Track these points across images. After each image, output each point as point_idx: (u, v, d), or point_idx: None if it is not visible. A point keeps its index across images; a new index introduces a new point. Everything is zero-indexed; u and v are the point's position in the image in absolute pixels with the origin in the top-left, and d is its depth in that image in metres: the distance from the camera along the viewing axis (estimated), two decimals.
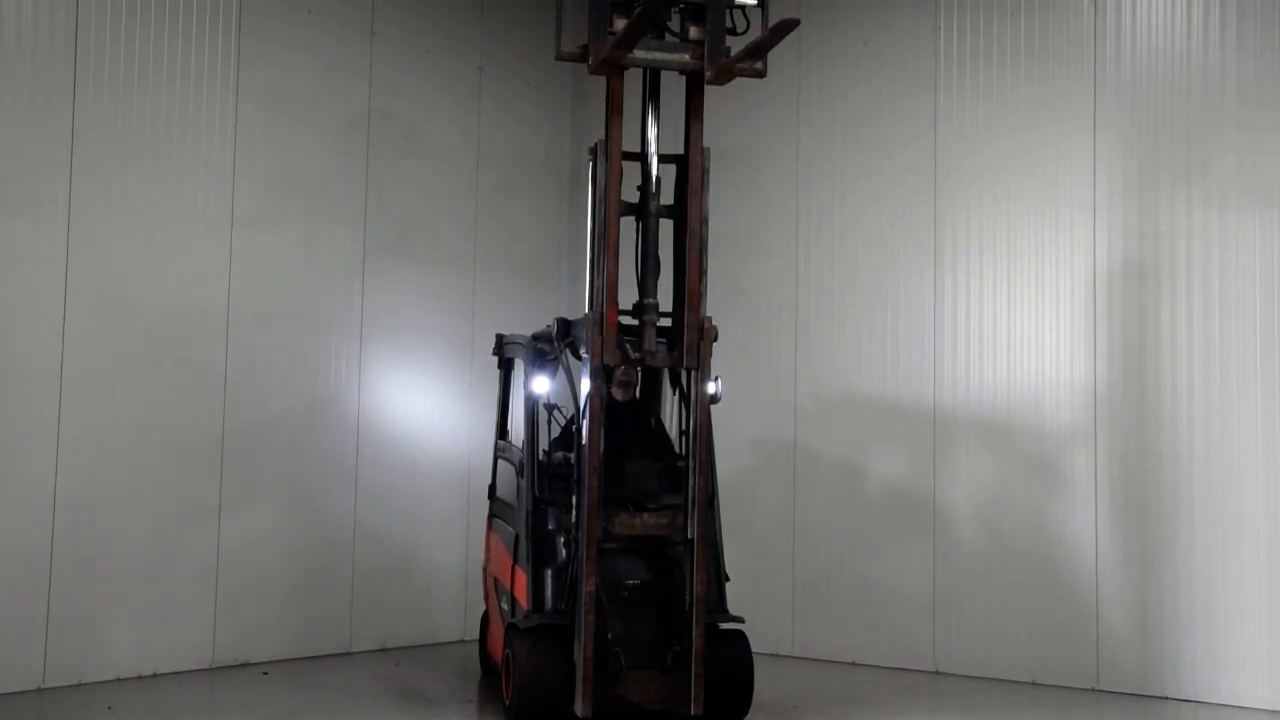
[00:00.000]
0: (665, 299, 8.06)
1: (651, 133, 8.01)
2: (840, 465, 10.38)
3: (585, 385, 7.49)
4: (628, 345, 7.65)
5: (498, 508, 8.99)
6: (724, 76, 7.69)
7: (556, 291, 11.68)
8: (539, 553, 7.70)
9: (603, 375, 7.52)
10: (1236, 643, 8.51)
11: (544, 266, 11.89)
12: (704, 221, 7.79)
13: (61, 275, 8.68)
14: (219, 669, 9.22)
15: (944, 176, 10.05)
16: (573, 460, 7.83)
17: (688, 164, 7.80)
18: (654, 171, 7.95)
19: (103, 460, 8.78)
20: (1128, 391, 9.11)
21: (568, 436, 8.14)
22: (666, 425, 8.49)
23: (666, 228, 8.10)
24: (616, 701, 7.34)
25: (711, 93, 8.01)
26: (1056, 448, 9.37)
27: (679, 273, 7.88)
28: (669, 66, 7.74)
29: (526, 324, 9.32)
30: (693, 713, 7.29)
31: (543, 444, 8.24)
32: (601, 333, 7.54)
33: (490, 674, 8.91)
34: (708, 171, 7.87)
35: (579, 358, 7.77)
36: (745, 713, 7.68)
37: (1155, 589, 8.93)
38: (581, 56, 7.68)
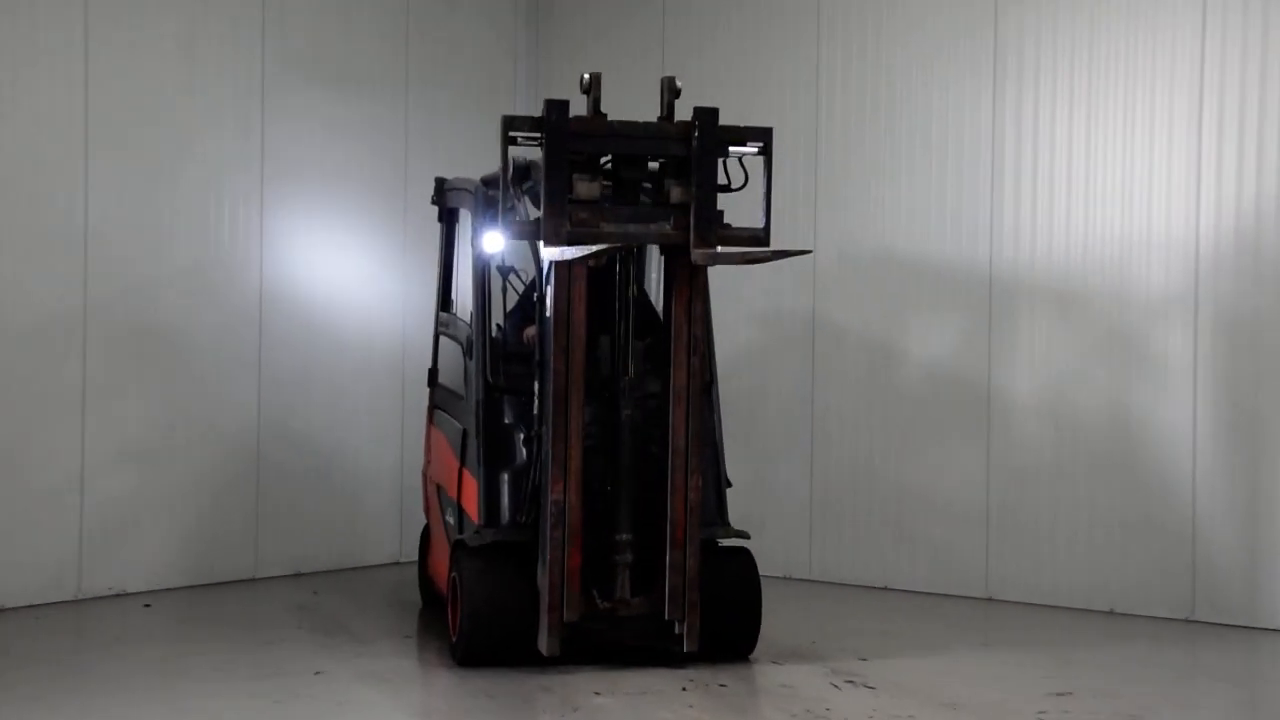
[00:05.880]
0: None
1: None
2: (870, 344, 9.76)
3: None
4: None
5: (441, 398, 8.54)
6: (712, 260, 7.19)
7: None
8: (492, 454, 7.28)
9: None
10: None
11: (496, 90, 11.02)
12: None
13: None
14: (85, 600, 8.63)
15: None
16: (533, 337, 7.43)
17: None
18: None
19: None
20: (1239, 250, 8.30)
21: (528, 307, 7.71)
22: (651, 295, 7.90)
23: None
24: (589, 637, 6.89)
25: None
26: (1145, 321, 8.64)
27: None
28: (645, 240, 7.30)
29: (474, 165, 8.74)
30: (685, 649, 6.76)
31: (497, 317, 7.79)
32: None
33: (432, 603, 8.48)
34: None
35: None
36: (751, 649, 7.17)
37: (1267, 501, 8.19)
38: (535, 233, 7.27)
